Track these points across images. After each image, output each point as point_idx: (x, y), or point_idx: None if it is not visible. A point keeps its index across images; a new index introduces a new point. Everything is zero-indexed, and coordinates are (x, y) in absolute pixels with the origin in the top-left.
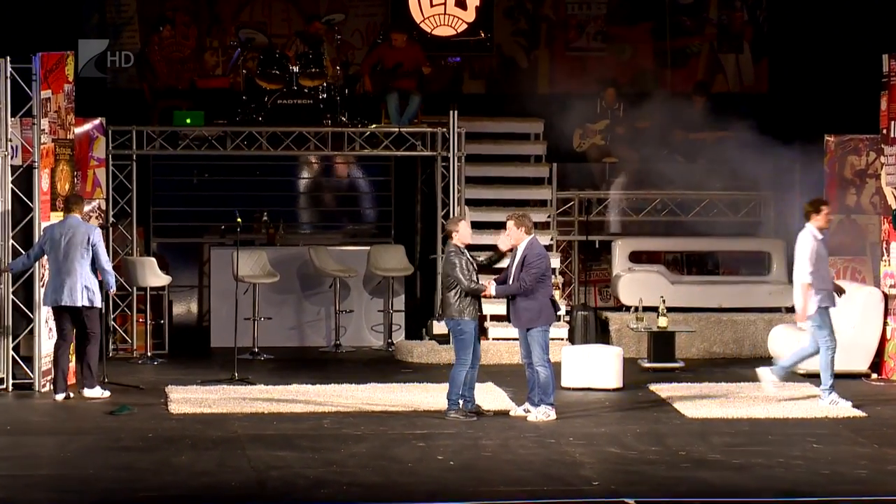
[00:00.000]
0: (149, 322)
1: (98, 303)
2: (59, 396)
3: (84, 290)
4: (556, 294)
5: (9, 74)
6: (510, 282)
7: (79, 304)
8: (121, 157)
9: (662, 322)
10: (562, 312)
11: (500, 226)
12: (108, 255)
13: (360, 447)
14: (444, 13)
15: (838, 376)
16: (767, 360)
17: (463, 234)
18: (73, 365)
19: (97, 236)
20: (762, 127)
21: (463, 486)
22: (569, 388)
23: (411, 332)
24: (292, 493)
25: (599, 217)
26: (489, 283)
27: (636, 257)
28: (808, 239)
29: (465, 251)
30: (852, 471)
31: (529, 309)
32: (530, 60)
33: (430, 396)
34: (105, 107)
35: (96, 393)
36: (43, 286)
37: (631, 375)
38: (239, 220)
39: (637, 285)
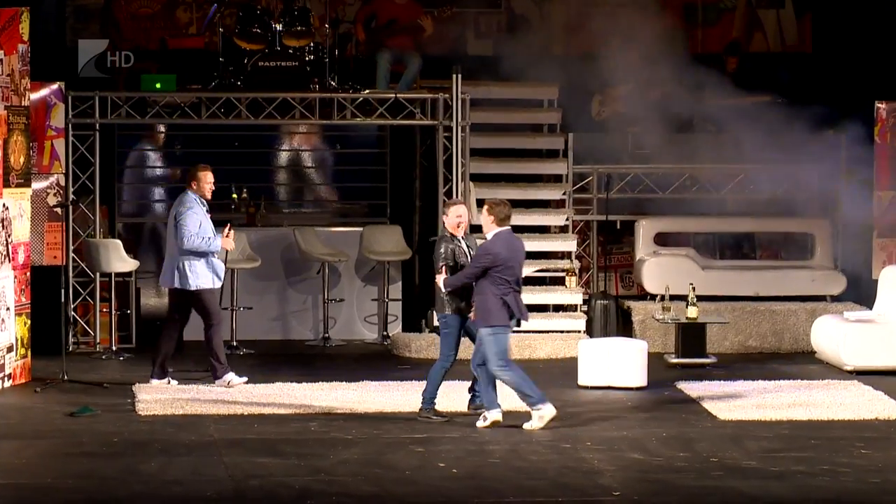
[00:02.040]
0: (114, 312)
1: (190, 286)
2: (153, 381)
3: (172, 272)
4: (524, 295)
5: None
6: None
7: (167, 286)
8: (82, 127)
9: (692, 312)
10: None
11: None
12: (190, 227)
13: (351, 453)
14: None
15: (890, 373)
16: (809, 355)
17: (450, 221)
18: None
19: (180, 209)
20: (805, 92)
21: (467, 496)
22: (587, 387)
23: (409, 324)
24: None
25: (621, 194)
26: (441, 275)
27: (662, 239)
28: None
29: (462, 240)
30: None
31: (478, 306)
32: (543, 17)
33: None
34: (64, 70)
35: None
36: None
37: (656, 372)
38: (234, 195)
39: (663, 271)
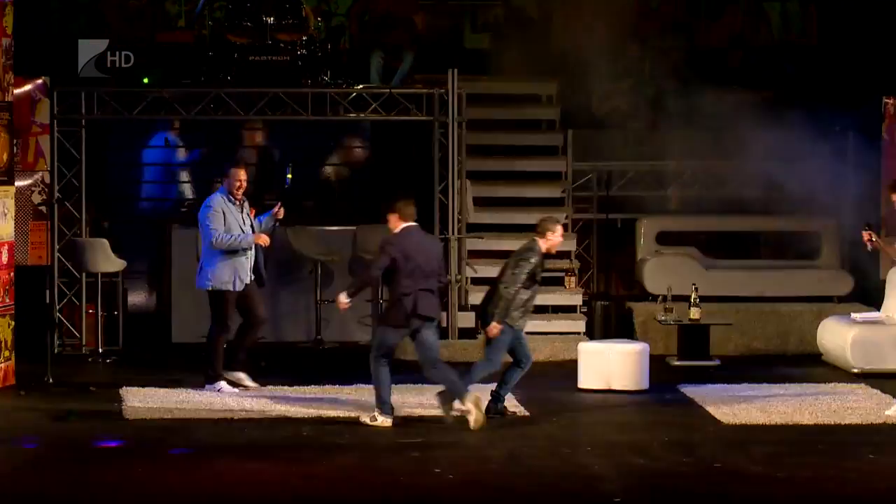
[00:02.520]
0: (100, 313)
1: (207, 286)
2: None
3: (197, 272)
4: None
5: None
6: None
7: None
8: (68, 123)
9: (694, 313)
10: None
11: (505, 202)
12: (216, 227)
13: (344, 458)
14: None
15: None
16: (816, 358)
17: (556, 238)
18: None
19: (203, 209)
20: (810, 86)
21: (464, 503)
22: (587, 390)
23: None
24: None
25: (622, 192)
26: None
27: (664, 238)
28: None
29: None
30: None
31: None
32: (542, 10)
33: (427, 400)
34: (49, 64)
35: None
36: None
37: (658, 375)
38: (290, 175)
39: (665, 271)
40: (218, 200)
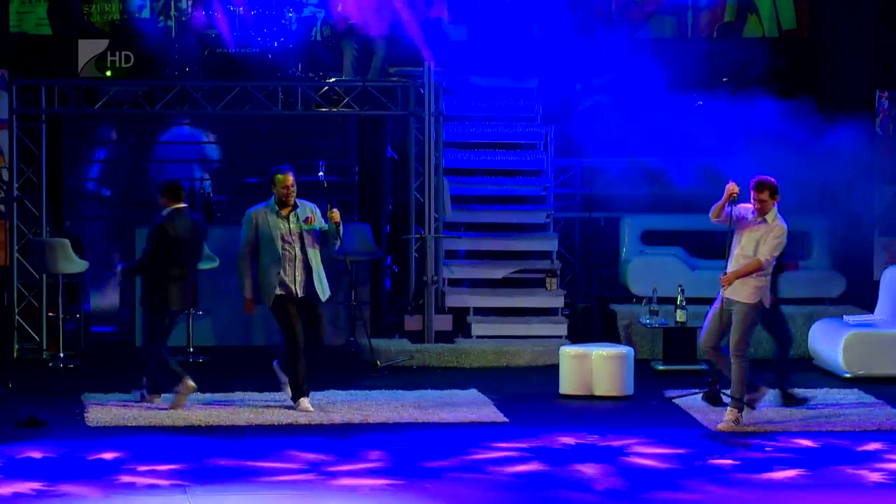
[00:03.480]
0: (61, 317)
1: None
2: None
3: None
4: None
5: None
6: None
7: None
8: (27, 118)
9: (681, 316)
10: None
11: (485, 199)
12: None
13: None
14: None
15: (892, 381)
16: (807, 362)
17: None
18: None
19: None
20: (802, 79)
21: None
22: (567, 396)
23: (378, 329)
24: None
25: (605, 189)
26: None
27: (650, 238)
28: None
29: None
30: None
31: None
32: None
33: (402, 406)
34: (7, 56)
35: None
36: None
37: (643, 380)
38: (321, 172)
39: (650, 271)
40: (256, 210)
